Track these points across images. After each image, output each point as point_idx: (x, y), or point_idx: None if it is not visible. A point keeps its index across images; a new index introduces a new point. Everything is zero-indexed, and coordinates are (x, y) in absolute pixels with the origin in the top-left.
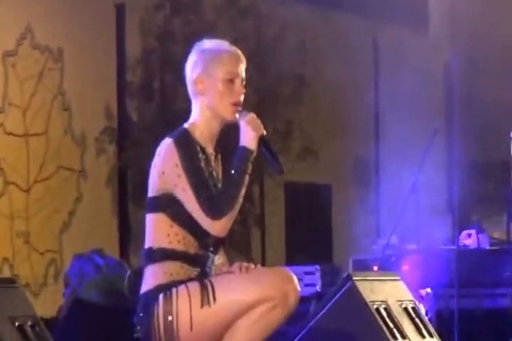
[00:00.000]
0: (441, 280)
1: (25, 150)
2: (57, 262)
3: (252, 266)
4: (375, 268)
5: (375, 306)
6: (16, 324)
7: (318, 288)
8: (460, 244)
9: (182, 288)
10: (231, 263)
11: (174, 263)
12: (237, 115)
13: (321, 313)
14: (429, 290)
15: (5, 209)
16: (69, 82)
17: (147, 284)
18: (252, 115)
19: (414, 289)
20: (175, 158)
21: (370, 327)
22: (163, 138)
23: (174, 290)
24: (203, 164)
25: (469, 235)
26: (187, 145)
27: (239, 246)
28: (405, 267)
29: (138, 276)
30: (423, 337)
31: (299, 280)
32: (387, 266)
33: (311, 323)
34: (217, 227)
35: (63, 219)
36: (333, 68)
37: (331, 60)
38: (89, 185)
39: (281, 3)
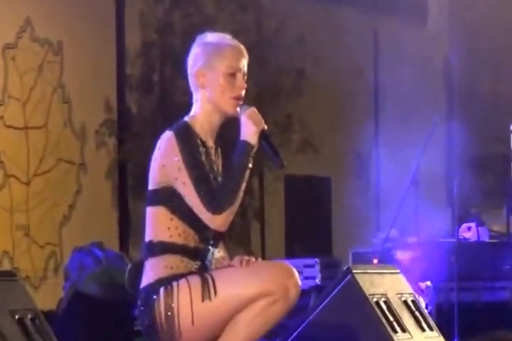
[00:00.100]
0: (440, 273)
1: (25, 143)
2: (57, 255)
3: (253, 259)
4: (375, 261)
5: (375, 299)
6: (16, 317)
7: (317, 281)
8: (460, 237)
9: (183, 281)
10: (231, 257)
11: (174, 256)
12: (238, 109)
13: (321, 306)
14: (429, 283)
15: (5, 202)
16: (69, 75)
17: (148, 278)
18: (253, 109)
19: (414, 282)
20: (175, 151)
21: (369, 321)
22: (163, 130)
23: (175, 283)
24: (203, 158)
25: (469, 228)
26: (188, 139)
27: (238, 239)
28: (405, 260)
29: (138, 269)
30: (423, 330)
31: (299, 273)
32: (387, 259)
33: (311, 316)
34: (217, 222)
35: (63, 212)
36: (333, 61)
37: (331, 53)
38: (89, 178)
39: None
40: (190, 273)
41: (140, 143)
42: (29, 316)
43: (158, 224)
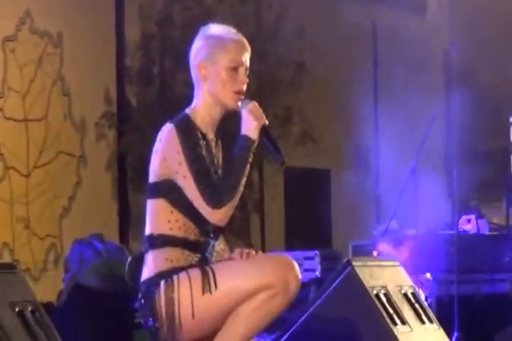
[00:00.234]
0: (440, 265)
1: (24, 136)
2: (57, 247)
3: (253, 252)
4: (375, 253)
5: (375, 292)
6: (16, 309)
7: (317, 273)
8: (459, 230)
9: (183, 274)
10: (231, 249)
11: (175, 249)
12: (239, 103)
13: (321, 299)
14: (428, 275)
15: (5, 195)
16: (68, 67)
17: (148, 271)
18: (254, 104)
19: (413, 274)
20: (176, 145)
21: (369, 313)
22: (162, 123)
23: (175, 277)
24: (204, 151)
25: (469, 220)
26: (188, 132)
27: (238, 232)
28: (404, 252)
29: (139, 262)
30: (423, 322)
31: (299, 265)
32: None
33: (311, 309)
34: (217, 216)
35: (63, 204)
36: (332, 53)
37: (331, 46)
38: (89, 170)
39: None
40: (191, 266)
41: (140, 136)
42: (29, 308)
43: (158, 216)
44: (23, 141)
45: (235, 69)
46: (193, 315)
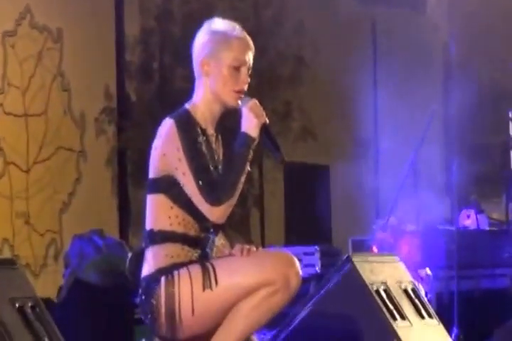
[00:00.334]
0: (440, 261)
1: (24, 131)
2: (57, 242)
3: (254, 248)
4: (375, 249)
5: (375, 287)
6: (16, 305)
7: (317, 268)
8: (459, 225)
9: (184, 271)
10: (231, 245)
11: (175, 245)
12: (239, 102)
13: (321, 294)
14: (428, 271)
15: (5, 190)
16: (68, 63)
17: (148, 266)
18: (255, 101)
19: (413, 270)
20: (176, 141)
21: (369, 308)
22: (162, 118)
23: (176, 273)
24: (203, 147)
25: (468, 216)
26: (188, 128)
27: (238, 227)
28: (404, 248)
29: (139, 257)
30: (422, 317)
31: (299, 260)
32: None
33: (311, 304)
34: (215, 213)
35: (63, 199)
36: (332, 49)
37: (330, 41)
38: (88, 166)
39: None
40: (191, 261)
41: (140, 131)
42: (29, 304)
43: (158, 212)
44: (23, 136)
45: (237, 68)
46: (193, 311)
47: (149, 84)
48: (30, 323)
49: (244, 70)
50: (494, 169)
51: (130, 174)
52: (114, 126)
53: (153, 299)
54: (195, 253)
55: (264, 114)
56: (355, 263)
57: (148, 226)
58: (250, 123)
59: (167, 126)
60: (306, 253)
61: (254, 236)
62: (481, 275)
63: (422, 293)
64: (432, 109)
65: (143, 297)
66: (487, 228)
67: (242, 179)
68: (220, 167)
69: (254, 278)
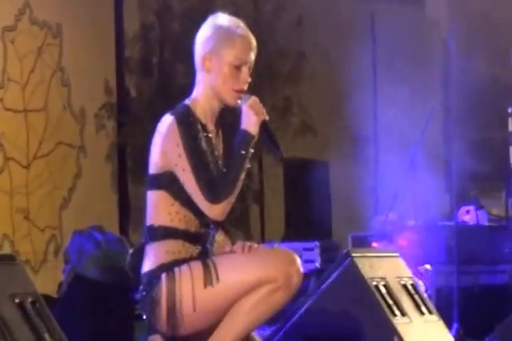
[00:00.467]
0: (439, 256)
1: (24, 126)
2: (57, 238)
3: (255, 245)
4: (374, 244)
5: (374, 283)
6: (16, 301)
7: (317, 264)
8: (458, 221)
9: (185, 268)
10: (232, 241)
11: (176, 241)
12: (238, 101)
13: (320, 290)
14: (428, 266)
15: (5, 185)
16: (68, 58)
17: (149, 263)
18: (255, 99)
19: (413, 266)
20: (176, 137)
21: (369, 304)
22: (162, 113)
23: (177, 270)
24: (204, 143)
25: (468, 211)
26: (189, 125)
27: (238, 223)
28: (403, 243)
29: (140, 253)
30: (422, 313)
31: (298, 256)
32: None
33: (310, 300)
34: (215, 211)
35: (63, 195)
36: (331, 44)
37: (330, 36)
38: (88, 161)
39: None
40: (192, 258)
41: (139, 126)
42: (29, 300)
43: (159, 208)
44: (23, 131)
45: (238, 67)
46: (194, 308)
47: (149, 79)
48: (30, 319)
49: (245, 70)
50: (494, 165)
51: (130, 169)
52: (113, 122)
53: (154, 295)
54: (195, 250)
55: (264, 111)
56: (355, 258)
57: (148, 222)
58: (250, 120)
59: (167, 122)
60: (305, 249)
61: (253, 232)
62: (480, 271)
63: (422, 288)
64: (431, 105)
65: (143, 293)
66: (487, 224)
67: (242, 177)
68: (220, 162)
69: (255, 275)
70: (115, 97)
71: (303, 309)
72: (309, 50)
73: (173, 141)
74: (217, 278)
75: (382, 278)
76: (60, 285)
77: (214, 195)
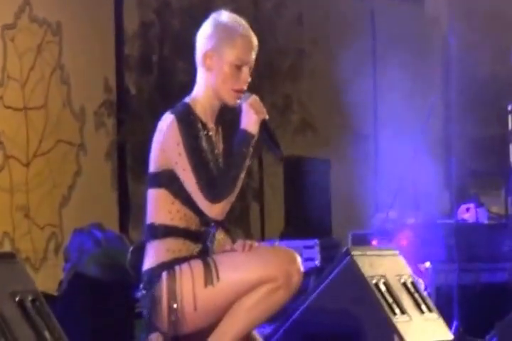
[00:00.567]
0: (439, 254)
1: (24, 124)
2: (58, 236)
3: (256, 244)
4: (374, 242)
5: (374, 281)
6: (17, 299)
7: (317, 262)
8: (458, 219)
9: (185, 266)
10: (233, 240)
11: (176, 239)
12: (238, 101)
13: (320, 288)
14: (428, 264)
15: (5, 183)
16: (67, 56)
17: (150, 261)
18: (255, 97)
19: (412, 264)
20: (177, 136)
21: (368, 302)
22: (162, 111)
23: (177, 268)
24: (204, 142)
25: (468, 209)
26: (189, 123)
27: (238, 221)
28: (403, 241)
29: (140, 251)
30: (422, 311)
31: (298, 254)
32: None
33: (310, 299)
34: (214, 210)
35: (63, 193)
36: (331, 41)
37: (329, 34)
38: (88, 159)
39: None
40: (192, 256)
41: (139, 124)
42: (29, 298)
43: (159, 207)
44: (23, 129)
45: (238, 67)
46: (195, 307)
47: (149, 77)
48: (30, 317)
49: (245, 70)
50: (494, 162)
51: (130, 167)
52: (113, 119)
53: (155, 293)
54: (196, 248)
55: (264, 110)
56: (355, 256)
57: (149, 220)
58: (250, 119)
59: (168, 120)
60: (305, 247)
61: (253, 230)
62: (480, 269)
63: (422, 286)
64: (431, 100)
65: (144, 291)
66: (486, 222)
67: (242, 176)
68: (220, 160)
69: (256, 274)
70: (115, 95)
71: (303, 307)
72: (309, 48)
73: (173, 140)
74: (218, 277)
75: (382, 276)
76: (61, 283)
77: (214, 195)
